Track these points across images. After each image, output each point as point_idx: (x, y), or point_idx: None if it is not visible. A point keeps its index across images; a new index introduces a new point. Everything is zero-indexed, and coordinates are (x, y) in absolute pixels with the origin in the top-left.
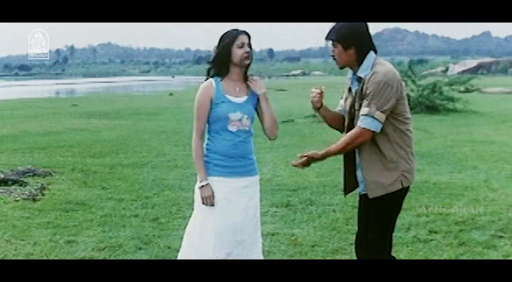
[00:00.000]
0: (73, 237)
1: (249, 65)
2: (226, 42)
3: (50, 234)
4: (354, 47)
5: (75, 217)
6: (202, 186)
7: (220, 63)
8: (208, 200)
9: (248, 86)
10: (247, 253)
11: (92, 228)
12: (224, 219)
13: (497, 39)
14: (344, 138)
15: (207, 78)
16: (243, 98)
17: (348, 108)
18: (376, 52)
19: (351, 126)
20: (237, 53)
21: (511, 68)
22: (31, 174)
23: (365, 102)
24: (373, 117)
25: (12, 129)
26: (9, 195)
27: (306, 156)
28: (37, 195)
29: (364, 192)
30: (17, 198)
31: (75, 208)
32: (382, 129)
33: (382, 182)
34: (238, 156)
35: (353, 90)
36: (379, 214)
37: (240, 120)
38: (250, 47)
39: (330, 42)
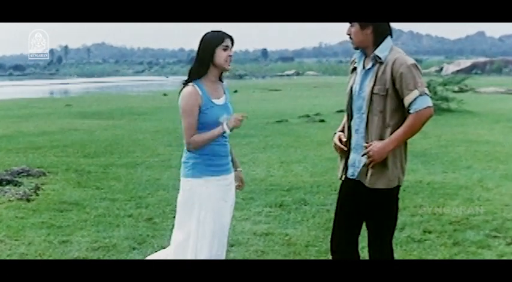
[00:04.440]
0: (67, 237)
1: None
2: (212, 42)
3: (44, 234)
4: (372, 26)
5: (69, 217)
6: (227, 124)
7: (202, 63)
8: (238, 117)
9: (222, 86)
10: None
11: (86, 228)
12: (220, 219)
13: (491, 39)
14: (410, 124)
15: (188, 81)
16: (222, 100)
17: (348, 90)
18: (392, 37)
19: (361, 106)
20: (222, 55)
21: (506, 67)
22: (25, 174)
23: (406, 88)
24: (425, 94)
25: (6, 129)
26: (3, 195)
27: (368, 146)
28: (31, 195)
29: (354, 178)
30: (11, 198)
31: (69, 208)
32: (397, 118)
33: (388, 174)
34: (225, 154)
35: (360, 70)
36: (383, 213)
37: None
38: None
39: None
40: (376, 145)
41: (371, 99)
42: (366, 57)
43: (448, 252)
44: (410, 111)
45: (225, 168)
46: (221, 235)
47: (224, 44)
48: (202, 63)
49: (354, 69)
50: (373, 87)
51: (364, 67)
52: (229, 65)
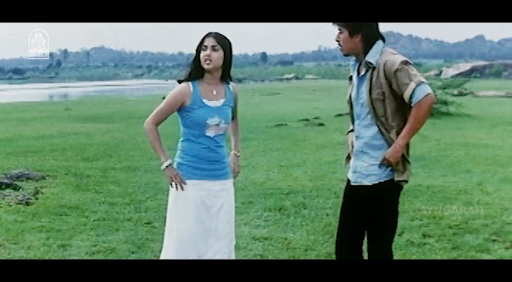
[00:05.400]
0: (66, 241)
1: (224, 67)
2: (197, 46)
3: (43, 238)
4: (360, 34)
5: (69, 221)
6: (166, 167)
7: (193, 66)
8: (177, 178)
9: (225, 88)
10: (220, 257)
11: (85, 232)
12: (198, 222)
13: (490, 43)
14: (415, 115)
15: (182, 81)
16: (220, 102)
17: (347, 98)
18: (384, 41)
19: (360, 112)
20: (201, 56)
21: (505, 71)
22: (24, 178)
23: (403, 84)
24: (422, 82)
25: (5, 132)
26: (2, 199)
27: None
28: (30, 199)
29: (357, 184)
30: (11, 202)
31: (68, 212)
32: (399, 119)
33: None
34: (214, 159)
35: (355, 78)
36: (384, 216)
37: (217, 125)
38: (222, 48)
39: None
40: (387, 152)
41: (373, 106)
42: (359, 64)
43: (447, 256)
44: (412, 104)
45: (214, 173)
46: (201, 238)
47: (204, 44)
48: (194, 65)
49: (351, 78)
50: (370, 93)
51: (358, 74)
52: (206, 65)
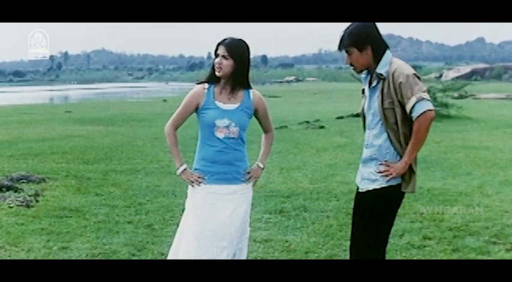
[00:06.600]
0: (67, 244)
1: (236, 75)
2: (214, 51)
3: (43, 241)
4: (370, 45)
5: (69, 223)
6: (182, 172)
7: (211, 71)
8: (193, 177)
9: (244, 95)
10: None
11: (86, 234)
12: (208, 225)
13: (491, 45)
14: (416, 131)
15: (201, 82)
16: (233, 105)
17: (360, 110)
18: (388, 49)
19: (371, 122)
20: (214, 63)
21: (505, 74)
22: (25, 180)
23: (406, 97)
24: (423, 99)
25: (6, 135)
26: (3, 202)
27: (389, 171)
28: (31, 202)
29: (364, 190)
30: (11, 205)
31: (69, 214)
32: (409, 125)
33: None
34: (225, 162)
35: (367, 91)
36: (376, 213)
37: (227, 127)
38: (232, 57)
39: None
40: (394, 167)
41: (385, 115)
42: (371, 76)
43: (447, 258)
44: (413, 119)
45: (225, 176)
46: (211, 241)
47: (216, 51)
48: (211, 71)
49: (363, 91)
50: (382, 103)
51: (370, 86)
52: (218, 72)
